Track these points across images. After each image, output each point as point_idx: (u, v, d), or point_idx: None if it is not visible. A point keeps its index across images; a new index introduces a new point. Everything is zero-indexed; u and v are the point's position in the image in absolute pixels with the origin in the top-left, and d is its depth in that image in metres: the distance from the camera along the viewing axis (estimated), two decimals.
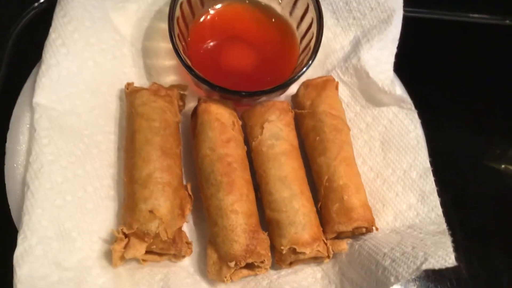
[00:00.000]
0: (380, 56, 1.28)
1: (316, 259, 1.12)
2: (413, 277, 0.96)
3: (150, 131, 1.10)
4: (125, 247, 1.01)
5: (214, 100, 1.18)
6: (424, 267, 0.94)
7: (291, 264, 1.12)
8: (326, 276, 1.11)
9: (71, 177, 1.05)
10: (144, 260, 1.05)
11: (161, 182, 1.05)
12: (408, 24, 1.29)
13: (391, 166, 1.21)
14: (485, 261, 1.33)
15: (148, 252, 1.03)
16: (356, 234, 1.14)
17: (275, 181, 1.12)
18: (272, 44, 1.28)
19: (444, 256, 0.94)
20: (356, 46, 1.31)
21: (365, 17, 1.31)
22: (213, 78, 1.13)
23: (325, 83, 1.24)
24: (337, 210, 1.11)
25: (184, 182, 1.15)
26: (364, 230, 1.13)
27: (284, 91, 1.26)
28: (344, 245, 1.12)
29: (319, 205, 1.15)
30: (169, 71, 1.29)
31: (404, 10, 1.28)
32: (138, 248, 1.01)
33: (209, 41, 1.27)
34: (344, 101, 1.30)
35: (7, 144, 1.09)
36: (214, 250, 1.07)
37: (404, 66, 1.29)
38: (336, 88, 1.26)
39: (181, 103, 1.22)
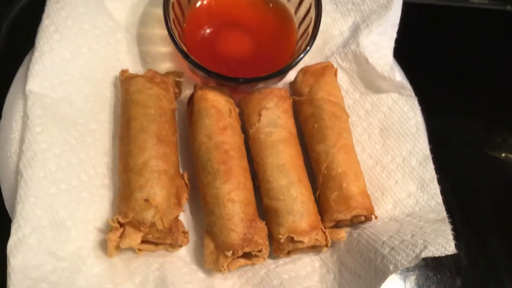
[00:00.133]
0: (380, 42, 1.26)
1: (314, 248, 1.11)
2: (412, 265, 0.95)
3: (145, 119, 1.09)
4: (121, 236, 1.00)
5: (210, 87, 1.16)
6: (424, 255, 0.93)
7: (289, 253, 1.11)
8: (325, 265, 1.10)
9: (65, 166, 1.04)
10: (140, 250, 1.04)
11: (156, 170, 1.04)
12: (408, 9, 1.27)
13: (390, 153, 1.20)
14: (485, 250, 1.33)
15: (144, 241, 1.02)
16: (354, 222, 1.13)
17: (272, 169, 1.11)
18: (270, 30, 1.27)
19: (443, 244, 0.94)
20: (355, 31, 1.29)
21: (364, 2, 1.29)
22: (210, 65, 1.12)
23: (324, 70, 1.22)
24: (335, 198, 1.10)
25: (181, 171, 1.14)
26: (363, 218, 1.12)
27: (282, 78, 1.25)
28: (342, 233, 1.11)
29: (317, 193, 1.14)
30: (165, 58, 1.28)
31: None
32: (134, 238, 0.99)
33: (205, 26, 1.25)
34: (343, 88, 1.28)
35: (0, 132, 1.07)
36: (211, 239, 1.06)
37: (404, 52, 1.28)
38: (335, 74, 1.25)
39: (177, 90, 1.20)
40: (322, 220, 1.12)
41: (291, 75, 1.25)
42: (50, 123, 1.05)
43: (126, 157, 1.06)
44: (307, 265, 1.11)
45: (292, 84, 1.26)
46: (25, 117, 1.05)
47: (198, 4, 1.26)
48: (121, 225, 1.00)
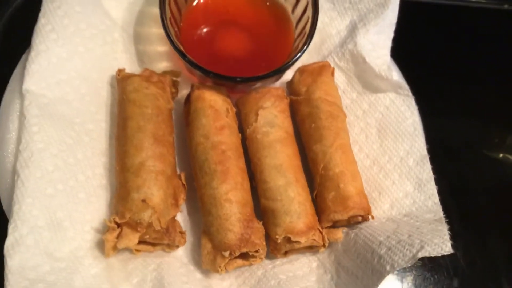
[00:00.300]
0: (377, 41, 1.26)
1: (312, 248, 1.11)
2: (409, 265, 0.95)
3: (142, 118, 1.08)
4: (118, 237, 1.00)
5: (207, 86, 1.16)
6: (420, 255, 0.93)
7: (286, 253, 1.11)
8: (322, 265, 1.11)
9: (62, 166, 1.04)
10: (137, 250, 1.04)
11: (153, 171, 1.04)
12: (405, 8, 1.27)
13: (387, 153, 1.20)
14: (482, 250, 1.33)
15: (141, 242, 1.02)
16: (352, 222, 1.13)
17: (270, 169, 1.11)
18: (267, 29, 1.26)
19: (440, 244, 0.94)
20: (352, 30, 1.29)
21: (361, 1, 1.29)
22: (207, 64, 1.11)
23: (321, 69, 1.22)
24: (333, 198, 1.10)
25: (178, 171, 1.13)
26: (360, 218, 1.12)
27: (279, 77, 1.25)
28: (339, 234, 1.11)
29: (314, 194, 1.14)
30: (162, 57, 1.27)
31: None
32: (131, 238, 0.99)
33: (202, 26, 1.25)
34: (340, 88, 1.28)
35: None
36: (208, 239, 1.06)
37: (401, 51, 1.28)
38: (332, 74, 1.25)
39: (174, 90, 1.20)
40: (319, 220, 1.12)
41: (288, 75, 1.25)
42: (47, 122, 1.05)
43: (123, 157, 1.06)
44: (305, 266, 1.11)
45: (289, 84, 1.26)
46: (22, 117, 1.05)
47: (195, 2, 1.25)
48: (118, 225, 1.00)
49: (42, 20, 1.11)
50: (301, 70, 1.23)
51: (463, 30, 1.62)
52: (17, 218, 0.96)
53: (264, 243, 1.07)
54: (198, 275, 1.08)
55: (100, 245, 1.02)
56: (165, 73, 1.19)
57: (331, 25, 1.32)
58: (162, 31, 1.12)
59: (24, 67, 1.08)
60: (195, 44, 1.21)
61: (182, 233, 1.07)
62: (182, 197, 1.09)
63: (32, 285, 0.92)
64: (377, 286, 0.98)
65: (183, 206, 1.14)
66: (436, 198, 1.12)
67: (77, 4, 1.16)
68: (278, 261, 1.12)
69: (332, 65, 1.26)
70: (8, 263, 0.92)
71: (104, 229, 1.03)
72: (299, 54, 1.14)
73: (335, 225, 1.13)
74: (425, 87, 1.25)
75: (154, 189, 1.02)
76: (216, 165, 1.07)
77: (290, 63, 1.14)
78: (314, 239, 1.06)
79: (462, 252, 1.29)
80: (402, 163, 1.18)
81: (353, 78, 1.28)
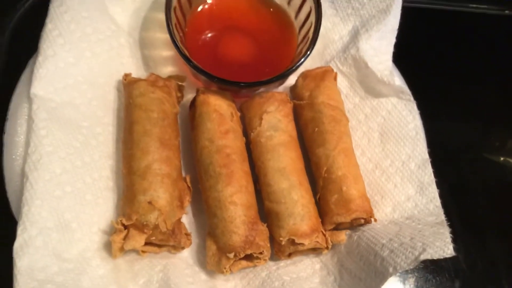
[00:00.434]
0: (379, 47, 1.27)
1: (315, 250, 1.12)
2: (411, 267, 0.96)
3: (148, 122, 1.10)
4: (125, 238, 1.01)
5: (212, 91, 1.17)
6: (423, 257, 0.94)
7: (290, 255, 1.12)
8: (325, 267, 1.12)
9: (70, 169, 1.05)
10: (143, 252, 1.05)
11: (160, 174, 1.05)
12: (406, 14, 1.28)
13: (389, 157, 1.21)
14: (483, 252, 1.34)
15: (147, 243, 1.04)
16: (354, 225, 1.14)
17: (273, 173, 1.12)
18: (270, 34, 1.28)
19: (442, 246, 0.95)
20: (355, 36, 1.30)
21: (364, 7, 1.30)
22: (211, 69, 1.12)
23: (324, 74, 1.23)
24: (335, 201, 1.11)
25: (183, 174, 1.14)
26: (362, 221, 1.13)
27: (282, 82, 1.26)
28: (342, 236, 1.12)
29: (317, 197, 1.15)
30: (167, 62, 1.28)
31: (403, 0, 1.27)
32: (138, 239, 1.01)
33: (206, 31, 1.26)
34: (343, 92, 1.29)
35: (5, 136, 1.09)
36: (213, 241, 1.07)
37: (403, 56, 1.29)
38: (335, 79, 1.26)
39: (179, 94, 1.21)
40: (323, 223, 1.13)
41: (291, 79, 1.26)
42: (55, 126, 1.06)
43: (130, 161, 1.07)
44: (308, 267, 1.12)
45: (293, 88, 1.27)
46: (30, 120, 1.06)
47: (200, 8, 1.27)
48: (125, 227, 1.01)
49: (49, 25, 1.13)
50: (304, 75, 1.25)
51: (464, 35, 1.63)
52: (26, 220, 0.97)
53: (268, 245, 1.08)
54: (203, 276, 1.09)
55: (107, 247, 1.03)
56: (170, 77, 1.20)
57: (333, 30, 1.33)
58: (167, 36, 1.13)
59: (31, 71, 1.10)
60: (200, 49, 1.23)
61: (187, 234, 1.08)
62: (187, 200, 1.10)
63: (41, 286, 0.93)
64: None
65: (188, 208, 1.15)
66: (437, 201, 1.13)
67: (83, 9, 1.17)
68: (282, 263, 1.13)
69: (335, 70, 1.27)
70: (17, 264, 0.93)
71: (111, 231, 1.04)
72: (302, 59, 1.15)
73: (338, 227, 1.14)
74: (427, 92, 1.26)
75: (160, 191, 1.03)
76: (221, 168, 1.08)
77: (294, 68, 1.15)
78: (317, 241, 1.07)
79: (463, 255, 1.30)
80: (404, 166, 1.19)
81: (355, 83, 1.30)
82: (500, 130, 1.57)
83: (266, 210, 1.13)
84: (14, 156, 1.06)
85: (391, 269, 0.97)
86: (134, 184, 1.04)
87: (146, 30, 1.28)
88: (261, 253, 1.05)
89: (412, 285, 1.26)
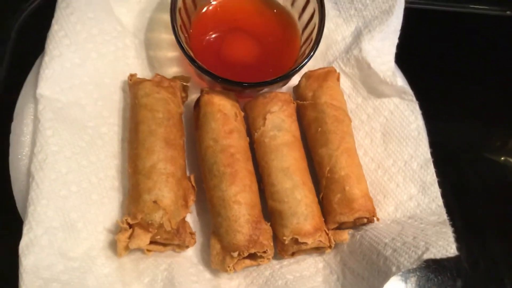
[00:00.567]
0: (382, 47, 1.28)
1: (318, 249, 1.13)
2: (414, 266, 0.96)
3: (153, 122, 1.11)
4: (130, 237, 1.02)
5: (216, 91, 1.18)
6: (425, 256, 0.94)
7: (293, 254, 1.13)
8: (328, 266, 1.12)
9: (76, 168, 1.06)
10: (148, 250, 1.06)
11: (164, 173, 1.06)
12: (409, 15, 1.28)
13: (392, 157, 1.22)
14: (485, 252, 1.34)
15: (152, 242, 1.04)
16: (357, 224, 1.15)
17: (277, 172, 1.12)
18: (274, 35, 1.28)
19: (445, 246, 0.95)
20: (357, 37, 1.31)
21: (366, 8, 1.31)
22: (216, 70, 1.13)
23: (327, 74, 1.24)
24: (338, 200, 1.12)
25: (188, 174, 1.15)
26: (365, 220, 1.14)
27: (286, 83, 1.27)
28: (345, 235, 1.12)
29: (320, 196, 1.16)
30: (172, 63, 1.29)
31: (405, 1, 1.28)
32: (143, 238, 1.01)
33: (211, 32, 1.27)
34: (346, 92, 1.30)
35: (11, 135, 1.09)
36: (218, 240, 1.08)
37: (406, 57, 1.30)
38: (338, 79, 1.27)
39: (183, 95, 1.22)
40: (326, 222, 1.13)
41: (295, 80, 1.27)
42: (61, 126, 1.07)
43: (135, 160, 1.08)
44: (311, 266, 1.13)
45: (296, 89, 1.28)
46: (36, 120, 1.07)
47: (204, 9, 1.28)
48: (130, 226, 1.02)
49: (55, 26, 1.14)
50: (307, 76, 1.25)
51: (465, 36, 1.64)
52: (32, 219, 0.98)
53: (272, 244, 1.09)
54: (207, 274, 1.10)
55: (113, 245, 1.04)
56: (175, 78, 1.21)
57: (336, 31, 1.34)
58: (172, 37, 1.14)
59: (37, 72, 1.11)
60: (204, 50, 1.24)
61: (192, 233, 1.09)
62: (192, 199, 1.11)
63: (46, 285, 0.94)
64: (382, 286, 0.99)
65: (192, 207, 1.16)
66: (439, 201, 1.13)
67: (89, 11, 1.18)
68: (285, 262, 1.13)
69: (338, 71, 1.28)
70: (23, 263, 0.94)
71: (117, 230, 1.05)
72: (305, 60, 1.16)
73: (341, 226, 1.15)
74: (429, 92, 1.26)
75: (165, 191, 1.04)
76: (225, 168, 1.09)
77: (297, 68, 1.16)
78: (320, 240, 1.08)
79: (465, 254, 1.30)
80: (406, 166, 1.19)
81: (358, 83, 1.30)
82: (501, 130, 1.58)
83: (269, 210, 1.13)
84: (20, 156, 1.07)
85: (394, 268, 0.97)
86: (139, 183, 1.05)
87: (151, 31, 1.29)
88: (264, 252, 1.06)
89: (414, 284, 1.26)
